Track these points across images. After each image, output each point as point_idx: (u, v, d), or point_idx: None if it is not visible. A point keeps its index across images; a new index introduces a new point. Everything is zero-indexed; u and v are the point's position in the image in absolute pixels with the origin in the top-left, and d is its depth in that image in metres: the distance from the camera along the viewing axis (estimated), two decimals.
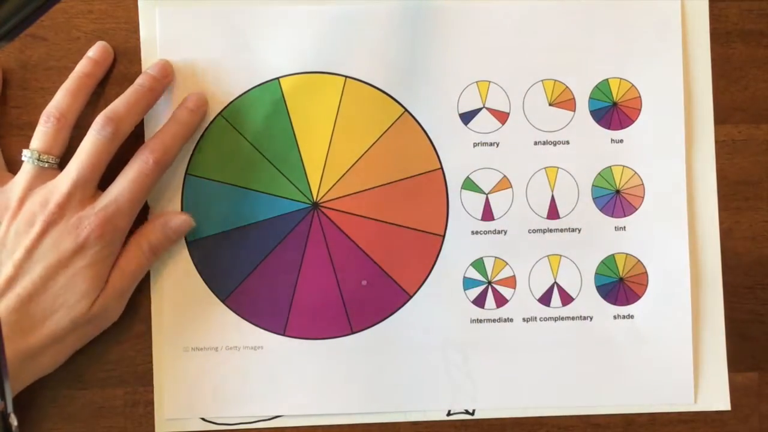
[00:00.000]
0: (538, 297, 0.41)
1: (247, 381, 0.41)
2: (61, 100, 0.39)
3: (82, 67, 0.40)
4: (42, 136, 0.38)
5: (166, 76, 0.40)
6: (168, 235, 0.40)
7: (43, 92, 0.41)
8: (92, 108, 0.40)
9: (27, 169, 0.38)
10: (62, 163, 0.39)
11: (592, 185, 0.42)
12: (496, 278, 0.41)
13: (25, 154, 0.38)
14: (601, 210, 0.42)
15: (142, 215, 0.40)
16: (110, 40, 0.41)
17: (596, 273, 0.42)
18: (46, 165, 0.38)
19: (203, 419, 0.41)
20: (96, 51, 0.40)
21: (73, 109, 0.39)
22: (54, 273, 0.36)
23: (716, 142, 0.42)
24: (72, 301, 0.37)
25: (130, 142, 0.39)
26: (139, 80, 0.39)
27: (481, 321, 0.41)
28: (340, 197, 0.41)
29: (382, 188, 0.41)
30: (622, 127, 0.42)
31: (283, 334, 0.41)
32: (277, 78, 0.41)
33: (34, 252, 0.36)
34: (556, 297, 0.41)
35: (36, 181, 0.38)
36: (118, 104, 0.38)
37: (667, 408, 0.42)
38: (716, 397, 0.42)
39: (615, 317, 0.42)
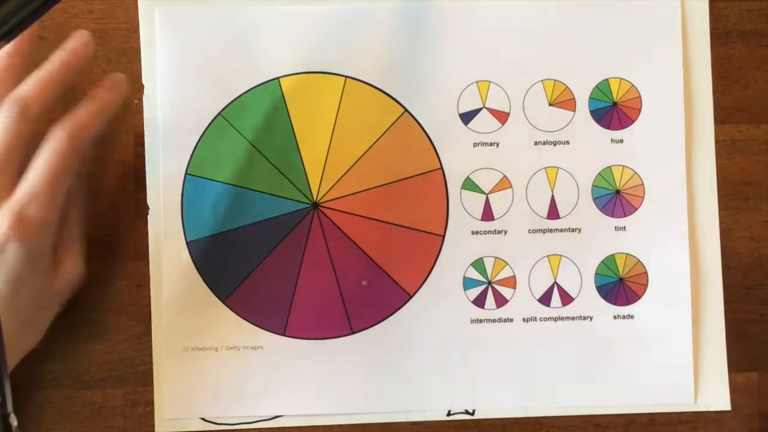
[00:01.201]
0: (538, 297, 0.41)
1: (247, 381, 0.41)
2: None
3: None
4: None
5: (83, 47, 0.35)
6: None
7: None
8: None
9: None
10: None
11: (592, 185, 0.42)
12: (496, 278, 0.41)
13: None
14: (601, 210, 0.42)
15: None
16: (110, 40, 0.41)
17: (596, 273, 0.42)
18: None
19: (203, 419, 0.41)
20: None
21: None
22: None
23: (716, 142, 0.42)
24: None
25: None
26: (53, 56, 0.35)
27: (481, 321, 0.41)
28: (340, 197, 0.41)
29: (382, 188, 0.41)
30: (622, 127, 0.42)
31: (283, 334, 0.41)
32: (277, 78, 0.41)
33: None
34: (556, 297, 0.41)
35: None
36: (25, 83, 0.34)
37: (667, 408, 0.42)
38: (716, 397, 0.42)
39: (615, 317, 0.41)
